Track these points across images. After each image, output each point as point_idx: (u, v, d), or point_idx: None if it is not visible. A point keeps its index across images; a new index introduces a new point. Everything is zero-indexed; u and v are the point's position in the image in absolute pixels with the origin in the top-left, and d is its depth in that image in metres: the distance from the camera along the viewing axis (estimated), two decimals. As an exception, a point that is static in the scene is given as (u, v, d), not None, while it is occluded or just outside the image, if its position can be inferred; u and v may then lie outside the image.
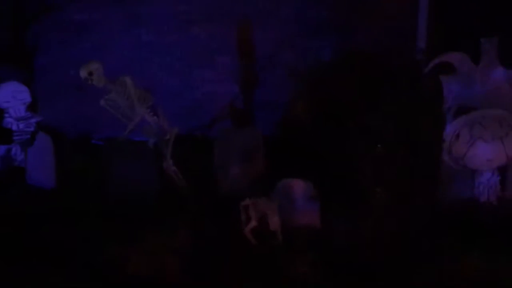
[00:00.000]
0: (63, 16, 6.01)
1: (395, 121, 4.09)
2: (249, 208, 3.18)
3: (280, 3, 5.51)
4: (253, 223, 3.17)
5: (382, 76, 5.01)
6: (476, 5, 5.12)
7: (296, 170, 3.71)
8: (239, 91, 5.72)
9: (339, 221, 3.36)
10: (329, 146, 4.24)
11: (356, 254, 3.07)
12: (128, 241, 3.22)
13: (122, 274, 2.93)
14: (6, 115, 4.84)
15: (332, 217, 3.44)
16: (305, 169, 3.78)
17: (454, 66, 3.84)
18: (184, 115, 5.55)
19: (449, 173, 3.74)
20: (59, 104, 5.96)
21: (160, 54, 5.84)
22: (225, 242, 3.20)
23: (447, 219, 3.48)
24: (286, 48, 5.55)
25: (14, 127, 4.84)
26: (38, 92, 5.97)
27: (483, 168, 3.71)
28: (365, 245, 3.11)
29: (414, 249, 3.14)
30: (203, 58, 5.74)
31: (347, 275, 2.90)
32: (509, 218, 3.53)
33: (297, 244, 3.12)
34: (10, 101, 4.80)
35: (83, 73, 3.89)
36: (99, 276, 2.96)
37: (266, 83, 5.66)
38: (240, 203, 3.24)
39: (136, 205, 3.66)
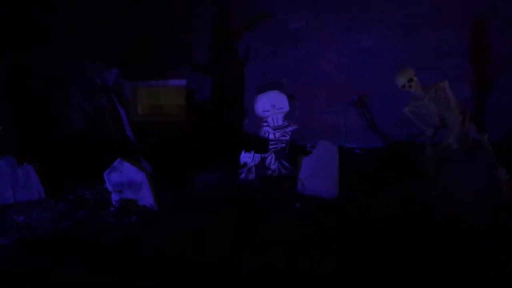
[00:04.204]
0: (276, 24, 6.06)
1: None
2: None
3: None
4: None
5: None
6: None
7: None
8: (470, 95, 5.48)
9: None
10: None
11: None
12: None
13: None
14: (264, 124, 4.87)
15: None
16: None
17: None
18: (402, 120, 5.38)
19: None
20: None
21: (382, 59, 5.70)
22: None
23: None
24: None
25: (271, 136, 4.86)
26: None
27: None
28: None
29: None
30: (431, 62, 5.54)
31: None
32: None
33: None
34: (269, 110, 4.82)
35: (402, 80, 3.77)
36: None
37: (500, 87, 5.39)
38: None
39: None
